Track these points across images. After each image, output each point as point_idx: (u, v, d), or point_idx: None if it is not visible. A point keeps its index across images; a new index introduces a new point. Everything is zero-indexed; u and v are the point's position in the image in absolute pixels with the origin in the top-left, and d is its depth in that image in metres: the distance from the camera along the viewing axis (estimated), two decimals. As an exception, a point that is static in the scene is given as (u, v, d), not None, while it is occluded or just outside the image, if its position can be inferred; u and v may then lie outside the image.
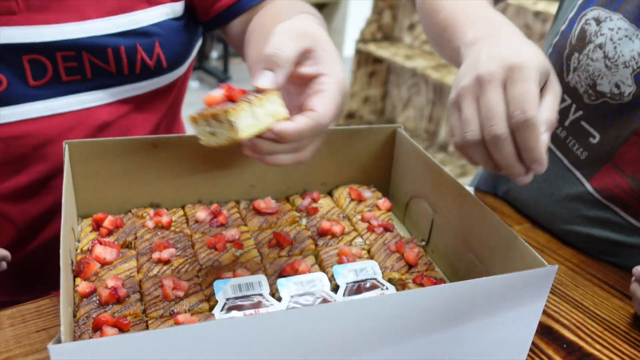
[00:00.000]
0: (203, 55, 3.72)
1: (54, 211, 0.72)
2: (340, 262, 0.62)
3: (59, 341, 0.38)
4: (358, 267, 0.61)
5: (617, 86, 0.65)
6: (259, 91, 0.47)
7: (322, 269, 0.62)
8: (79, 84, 0.68)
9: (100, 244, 0.60)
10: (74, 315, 0.52)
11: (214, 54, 3.81)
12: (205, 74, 3.74)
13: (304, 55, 0.49)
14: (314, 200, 0.73)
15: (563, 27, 0.73)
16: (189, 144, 0.67)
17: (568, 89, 0.71)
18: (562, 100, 0.71)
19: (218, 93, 0.48)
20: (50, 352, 0.37)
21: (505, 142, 0.45)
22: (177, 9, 0.74)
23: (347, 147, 0.75)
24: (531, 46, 0.49)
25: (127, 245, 0.63)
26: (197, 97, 2.92)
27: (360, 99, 3.38)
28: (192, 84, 3.65)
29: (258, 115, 0.45)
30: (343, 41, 4.51)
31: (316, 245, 0.66)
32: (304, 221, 0.70)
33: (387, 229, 0.69)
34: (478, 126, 0.47)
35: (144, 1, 0.70)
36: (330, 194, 0.77)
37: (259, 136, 0.46)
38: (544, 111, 0.47)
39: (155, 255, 0.60)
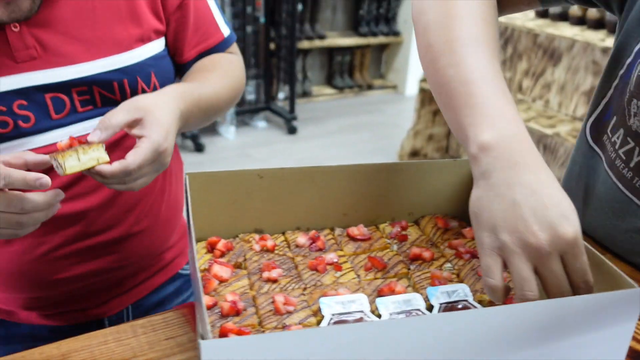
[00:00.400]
0: (270, 96, 3.87)
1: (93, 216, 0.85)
2: (432, 284, 0.67)
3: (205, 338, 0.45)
4: (450, 289, 0.66)
5: None
6: (90, 143, 0.66)
7: (416, 290, 0.67)
8: (91, 112, 0.81)
9: (217, 263, 0.67)
10: (200, 325, 0.59)
11: (281, 95, 3.96)
12: (272, 114, 3.88)
13: (134, 122, 0.69)
14: (403, 229, 0.79)
15: (622, 72, 0.75)
16: (291, 175, 0.75)
17: (630, 132, 0.73)
18: (627, 142, 0.73)
19: (65, 141, 0.67)
20: (201, 348, 0.43)
21: None
22: (162, 43, 0.88)
23: (432, 179, 0.81)
24: (565, 197, 0.53)
25: (238, 266, 0.70)
26: (264, 137, 3.11)
27: (425, 137, 3.43)
28: (260, 124, 3.80)
29: (82, 159, 0.64)
30: (406, 80, 4.59)
31: (408, 269, 0.71)
32: (394, 247, 0.75)
33: (474, 255, 0.73)
34: (537, 287, 0.52)
35: (139, 40, 0.83)
36: (417, 222, 0.82)
37: (91, 171, 0.65)
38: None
39: (265, 275, 0.67)
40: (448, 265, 0.72)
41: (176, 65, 0.93)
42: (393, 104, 4.43)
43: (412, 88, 4.38)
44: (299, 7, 3.66)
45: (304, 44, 4.09)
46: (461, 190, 0.82)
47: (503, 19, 2.33)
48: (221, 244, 0.71)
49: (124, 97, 0.82)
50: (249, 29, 3.51)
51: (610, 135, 0.77)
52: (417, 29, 0.69)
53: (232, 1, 3.37)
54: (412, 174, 0.80)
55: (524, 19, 2.66)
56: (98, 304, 0.92)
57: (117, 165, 0.65)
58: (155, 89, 0.85)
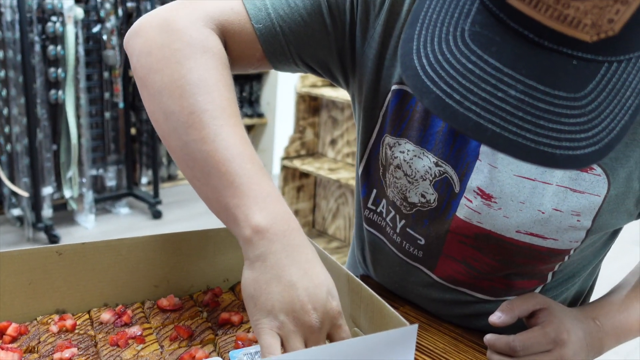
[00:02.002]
0: (132, 182, 3.77)
1: None
2: (236, 347, 0.67)
3: None
4: (253, 350, 0.66)
5: (423, 196, 0.74)
6: None
7: (220, 355, 0.67)
8: None
9: (3, 350, 0.62)
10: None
11: (144, 179, 3.88)
12: (135, 200, 3.77)
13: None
14: (216, 295, 0.78)
15: (369, 149, 0.80)
16: (94, 250, 0.73)
17: (389, 202, 0.79)
18: (389, 211, 0.80)
19: None
20: None
21: None
22: None
23: (234, 246, 0.82)
24: (326, 274, 0.58)
25: (30, 350, 0.66)
26: (127, 223, 3.01)
27: (290, 213, 3.49)
28: (122, 211, 3.67)
29: None
30: (272, 160, 4.70)
31: (215, 335, 0.71)
32: (204, 314, 0.75)
33: (283, 315, 0.74)
34: None
35: None
36: (232, 289, 0.83)
37: None
38: None
39: (57, 356, 0.63)
40: (256, 327, 0.72)
41: None
42: (261, 183, 4.49)
43: (277, 167, 4.48)
44: (160, 92, 3.67)
45: (168, 128, 4.08)
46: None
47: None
48: (11, 329, 0.67)
49: None
50: (107, 114, 3.45)
51: (374, 208, 0.84)
52: (147, 90, 0.62)
53: (89, 87, 3.31)
54: (226, 240, 0.81)
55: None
56: None
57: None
58: None
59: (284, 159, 3.40)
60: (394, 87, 0.74)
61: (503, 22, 0.45)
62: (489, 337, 0.71)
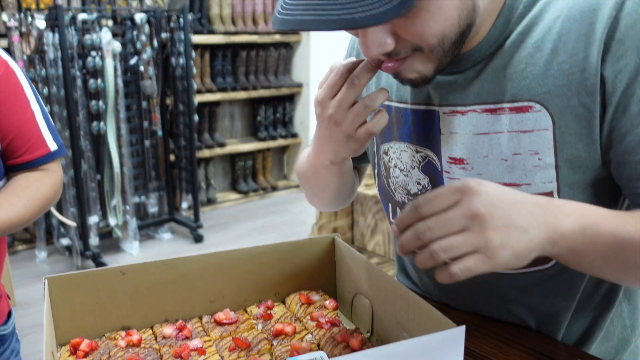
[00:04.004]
0: (174, 207, 3.87)
1: None
2: (291, 355, 0.71)
3: None
4: (307, 357, 0.70)
5: (419, 182, 0.82)
6: None
7: (277, 363, 0.70)
8: None
9: (78, 363, 0.68)
10: None
11: (184, 204, 3.97)
12: (177, 225, 3.87)
13: None
14: (269, 308, 0.83)
15: (377, 170, 0.91)
16: (154, 269, 0.78)
17: (400, 206, 0.86)
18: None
19: None
20: None
21: None
22: None
23: (294, 258, 0.86)
24: None
25: (102, 364, 0.71)
26: (170, 248, 3.09)
27: (329, 230, 3.52)
28: (165, 236, 3.76)
29: None
30: (307, 179, 4.74)
31: (271, 345, 0.74)
32: (259, 326, 0.79)
33: (333, 324, 0.78)
34: None
35: None
36: (283, 302, 0.86)
37: None
38: None
39: (128, 368, 0.68)
40: (309, 336, 0.76)
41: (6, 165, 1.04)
42: (298, 202, 4.55)
43: (314, 185, 4.53)
44: (196, 118, 3.78)
45: (205, 153, 4.19)
46: (321, 265, 0.88)
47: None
48: (84, 344, 0.72)
49: None
50: (147, 142, 3.57)
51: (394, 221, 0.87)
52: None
53: (129, 117, 3.43)
54: (274, 255, 0.85)
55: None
56: None
57: None
58: None
59: (319, 177, 3.45)
60: None
61: None
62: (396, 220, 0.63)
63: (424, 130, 0.80)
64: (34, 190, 1.04)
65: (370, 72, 0.69)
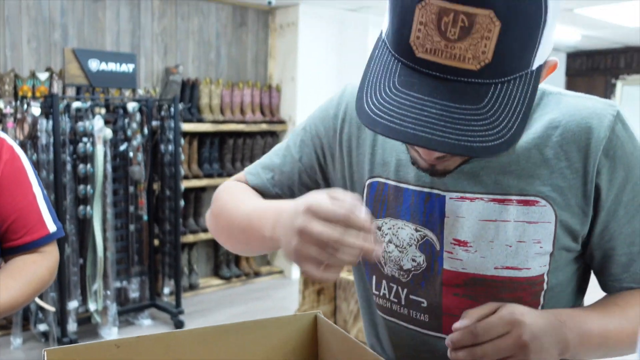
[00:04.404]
0: (155, 293, 3.84)
1: None
2: None
3: None
4: None
5: (414, 260, 0.86)
6: None
7: None
8: None
9: None
10: None
11: (166, 290, 3.94)
12: (158, 311, 3.82)
13: None
14: (257, 383, 0.85)
15: None
16: (147, 342, 0.80)
17: (388, 279, 0.90)
18: (391, 288, 0.90)
19: None
20: None
21: None
22: None
23: (276, 335, 0.90)
24: None
25: None
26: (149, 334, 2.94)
27: (311, 317, 3.50)
28: (145, 322, 3.70)
29: None
30: (292, 264, 4.76)
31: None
32: (248, 400, 0.81)
33: (320, 398, 0.80)
34: None
35: None
36: (272, 377, 0.89)
37: None
38: None
39: None
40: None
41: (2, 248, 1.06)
42: (280, 288, 4.53)
43: (297, 272, 4.54)
44: (182, 203, 3.84)
45: (189, 238, 4.21)
46: (303, 343, 0.91)
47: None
48: (76, 417, 0.73)
49: None
50: (132, 227, 3.59)
51: (377, 293, 0.93)
52: (218, 233, 1.00)
53: (115, 202, 3.48)
54: (254, 333, 0.89)
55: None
56: None
57: None
58: None
59: (303, 262, 3.47)
60: (366, 181, 0.91)
61: (416, 69, 0.65)
62: (451, 336, 0.73)
63: (426, 211, 0.85)
64: (31, 273, 1.07)
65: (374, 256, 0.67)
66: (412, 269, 0.87)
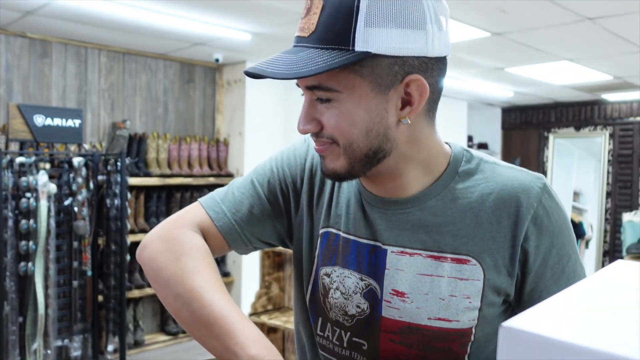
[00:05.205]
0: (98, 351, 3.73)
1: None
2: None
3: None
4: None
5: (358, 306, 0.93)
6: None
7: None
8: None
9: None
10: None
11: (110, 347, 3.84)
12: (101, 369, 3.71)
13: None
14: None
15: (311, 286, 0.99)
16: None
17: (332, 322, 0.96)
18: (334, 331, 0.96)
19: None
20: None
21: None
22: None
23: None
24: None
25: None
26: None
27: (260, 370, 3.47)
28: (88, 381, 3.58)
29: None
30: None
31: None
32: None
33: None
34: None
35: None
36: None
37: None
38: None
39: None
40: None
41: None
42: (229, 342, 4.47)
43: (246, 325, 4.49)
44: (128, 257, 3.80)
45: (135, 293, 4.14)
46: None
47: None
48: None
49: None
50: (75, 283, 3.52)
51: (322, 334, 0.99)
52: (158, 283, 0.88)
53: (58, 257, 3.42)
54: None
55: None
56: None
57: None
58: None
59: (251, 314, 3.48)
60: (321, 230, 0.97)
61: (295, 44, 0.83)
62: None
63: (370, 262, 0.92)
64: None
65: None
66: (357, 314, 0.94)
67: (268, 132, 4.87)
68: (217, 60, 4.55)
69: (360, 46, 0.77)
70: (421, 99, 0.82)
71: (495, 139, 7.73)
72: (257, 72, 0.79)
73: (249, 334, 0.78)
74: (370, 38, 0.77)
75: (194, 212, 0.97)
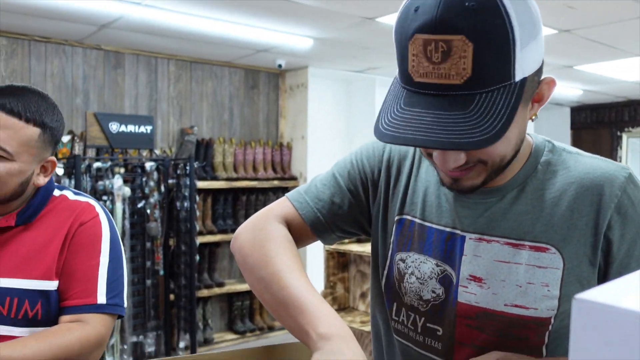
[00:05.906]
0: (171, 347, 3.87)
1: None
2: None
3: None
4: None
5: (433, 291, 0.94)
6: None
7: None
8: None
9: None
10: None
11: (181, 344, 3.98)
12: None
13: None
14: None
15: (386, 271, 1.03)
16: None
17: (407, 307, 0.99)
18: (409, 316, 0.99)
19: None
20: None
21: None
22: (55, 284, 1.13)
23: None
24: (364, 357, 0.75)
25: None
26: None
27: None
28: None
29: None
30: (303, 319, 4.76)
31: None
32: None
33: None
34: None
35: (53, 275, 1.09)
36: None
37: None
38: None
39: None
40: None
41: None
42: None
43: (310, 325, 4.54)
44: (197, 258, 3.94)
45: (203, 292, 4.27)
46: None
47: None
48: None
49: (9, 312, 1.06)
50: (148, 282, 3.68)
51: (397, 319, 1.01)
52: (246, 268, 0.95)
53: (132, 257, 3.58)
54: (295, 353, 0.97)
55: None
56: None
57: None
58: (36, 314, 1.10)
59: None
60: (396, 217, 1.00)
61: (415, 91, 0.77)
62: None
63: (447, 249, 0.94)
64: (58, 338, 1.04)
65: None
66: (432, 299, 0.96)
67: (330, 135, 4.92)
68: (279, 66, 4.64)
69: (519, 74, 0.75)
70: (549, 94, 0.84)
71: (564, 139, 7.48)
72: (426, 145, 0.74)
73: (319, 314, 0.81)
74: (524, 62, 0.75)
75: (280, 205, 1.03)
